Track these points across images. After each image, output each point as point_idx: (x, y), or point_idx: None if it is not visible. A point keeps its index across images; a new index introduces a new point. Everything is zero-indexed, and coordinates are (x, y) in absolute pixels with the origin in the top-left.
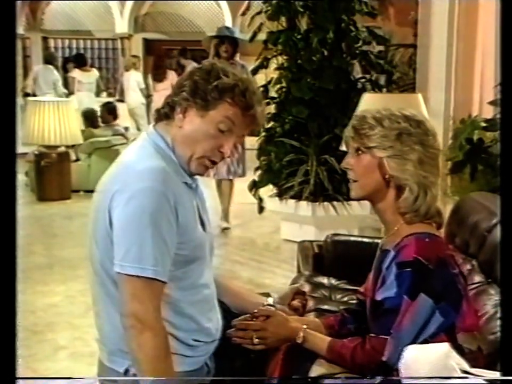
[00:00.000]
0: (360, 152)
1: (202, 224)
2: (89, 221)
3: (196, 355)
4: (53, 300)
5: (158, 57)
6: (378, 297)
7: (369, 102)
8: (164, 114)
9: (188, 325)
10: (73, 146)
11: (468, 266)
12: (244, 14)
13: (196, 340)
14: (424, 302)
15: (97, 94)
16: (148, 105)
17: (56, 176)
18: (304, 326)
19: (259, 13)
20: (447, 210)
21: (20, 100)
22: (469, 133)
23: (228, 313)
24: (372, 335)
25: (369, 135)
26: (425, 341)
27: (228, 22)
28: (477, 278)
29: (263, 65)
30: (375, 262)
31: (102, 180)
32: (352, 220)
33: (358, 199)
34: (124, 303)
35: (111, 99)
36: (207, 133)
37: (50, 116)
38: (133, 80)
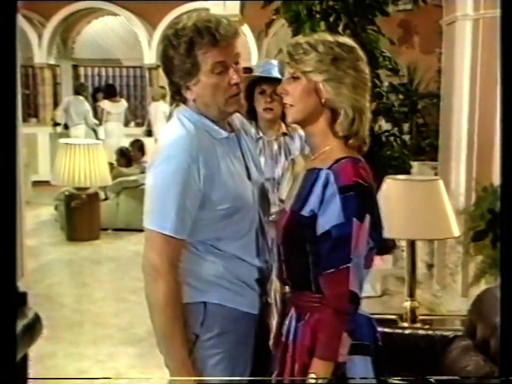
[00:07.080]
0: (296, 77)
1: (248, 172)
2: None
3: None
4: (84, 364)
5: None
6: (322, 225)
7: (390, 187)
8: (179, 100)
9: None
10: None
11: (487, 369)
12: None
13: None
14: (368, 223)
15: (126, 124)
16: None
17: (85, 216)
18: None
19: None
20: (470, 270)
21: (49, 129)
22: (491, 202)
23: None
24: (329, 270)
25: (304, 60)
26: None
27: (253, 49)
28: None
29: None
30: (300, 181)
31: None
32: (374, 271)
33: (294, 123)
34: (145, 252)
35: (138, 129)
36: (213, 85)
37: (81, 159)
38: (161, 111)
